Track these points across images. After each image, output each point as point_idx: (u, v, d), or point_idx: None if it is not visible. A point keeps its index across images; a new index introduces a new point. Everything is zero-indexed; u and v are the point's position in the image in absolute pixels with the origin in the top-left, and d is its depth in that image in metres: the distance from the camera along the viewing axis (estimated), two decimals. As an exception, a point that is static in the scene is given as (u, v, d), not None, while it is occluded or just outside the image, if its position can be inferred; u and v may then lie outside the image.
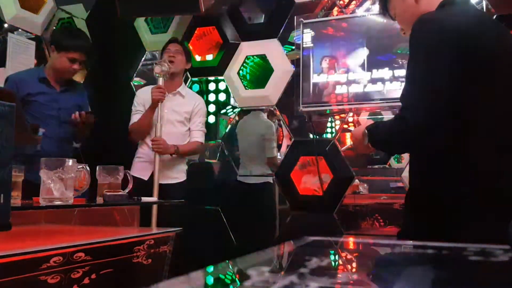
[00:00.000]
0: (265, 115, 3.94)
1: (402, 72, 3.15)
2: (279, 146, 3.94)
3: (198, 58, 4.11)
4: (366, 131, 1.38)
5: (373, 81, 3.18)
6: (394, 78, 3.13)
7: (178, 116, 3.00)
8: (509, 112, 1.24)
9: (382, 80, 3.15)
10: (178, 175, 3.03)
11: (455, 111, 1.18)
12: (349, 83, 3.25)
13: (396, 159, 3.68)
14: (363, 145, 1.40)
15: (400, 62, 3.16)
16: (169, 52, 3.04)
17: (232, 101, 5.01)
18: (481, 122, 1.21)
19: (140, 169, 2.95)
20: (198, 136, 3.01)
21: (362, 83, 3.22)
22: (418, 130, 1.19)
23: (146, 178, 2.91)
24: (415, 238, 1.02)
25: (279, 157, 3.85)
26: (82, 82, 4.16)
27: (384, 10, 1.54)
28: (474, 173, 1.21)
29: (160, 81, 2.84)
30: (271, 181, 3.71)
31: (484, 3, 3.11)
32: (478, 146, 1.21)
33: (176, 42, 3.15)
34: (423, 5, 1.39)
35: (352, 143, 1.51)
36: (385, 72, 3.17)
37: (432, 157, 1.27)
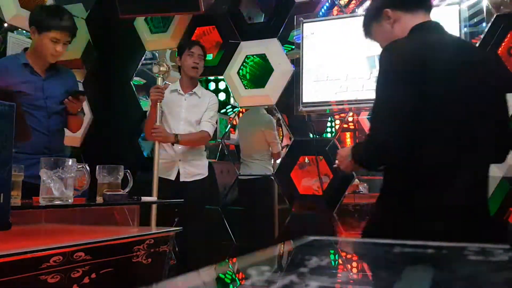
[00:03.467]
0: (265, 110, 3.95)
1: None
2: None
3: (198, 57, 4.10)
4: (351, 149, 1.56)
5: (373, 80, 3.18)
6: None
7: (195, 116, 3.02)
8: (459, 126, 1.40)
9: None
10: (201, 171, 3.06)
11: (413, 127, 1.35)
12: (349, 83, 3.25)
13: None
14: (347, 163, 1.57)
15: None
16: (193, 57, 3.03)
17: (232, 100, 5.01)
18: (436, 134, 1.37)
19: (165, 170, 2.97)
20: (206, 126, 3.01)
21: (362, 82, 3.21)
22: (382, 148, 1.39)
23: (172, 178, 2.96)
24: (380, 236, 1.12)
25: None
26: (82, 81, 4.17)
27: (367, 35, 1.70)
28: (432, 178, 1.38)
29: (159, 81, 2.85)
30: (272, 178, 3.72)
31: (484, 3, 3.12)
32: (435, 155, 1.37)
33: (197, 45, 3.10)
34: (397, 30, 1.56)
35: (338, 161, 1.62)
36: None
37: (398, 166, 1.45)
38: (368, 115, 3.57)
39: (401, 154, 1.39)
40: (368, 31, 1.68)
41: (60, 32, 2.38)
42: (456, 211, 1.36)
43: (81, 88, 4.14)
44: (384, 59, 1.43)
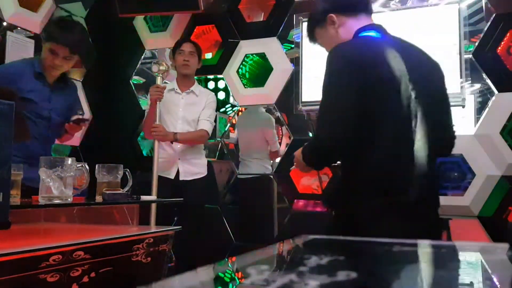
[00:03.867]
0: (263, 109, 3.95)
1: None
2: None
3: (197, 56, 4.10)
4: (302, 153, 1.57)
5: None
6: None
7: (193, 115, 3.02)
8: (399, 127, 1.44)
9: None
10: (200, 170, 3.06)
11: (356, 128, 1.39)
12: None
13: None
14: (301, 164, 1.58)
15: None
16: (183, 54, 3.03)
17: (231, 99, 5.01)
18: (378, 134, 1.41)
19: (165, 169, 2.97)
20: (204, 125, 3.01)
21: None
22: (327, 150, 1.45)
23: (172, 177, 2.96)
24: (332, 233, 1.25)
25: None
26: (81, 80, 4.16)
27: (312, 39, 1.73)
28: (372, 178, 1.43)
29: (158, 80, 2.85)
30: (271, 176, 3.71)
31: (483, 2, 3.12)
32: (376, 155, 1.42)
33: (188, 42, 3.13)
34: (343, 34, 1.60)
35: (295, 163, 1.65)
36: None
37: (341, 165, 1.55)
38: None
39: (345, 155, 1.48)
40: (313, 36, 1.71)
41: (57, 45, 2.35)
42: (405, 207, 1.40)
43: (80, 85, 4.15)
44: (329, 61, 1.47)
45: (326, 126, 1.43)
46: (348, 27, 1.60)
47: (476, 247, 0.90)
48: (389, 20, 3.22)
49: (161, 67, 2.81)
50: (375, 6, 3.39)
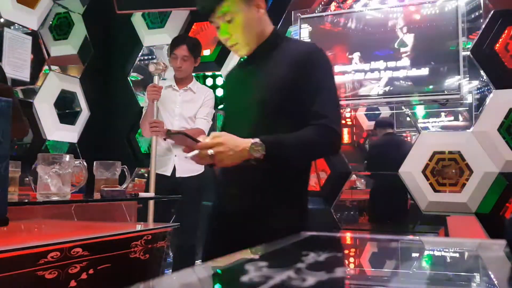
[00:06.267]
0: None
1: (399, 67, 3.15)
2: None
3: (195, 53, 4.10)
4: (259, 143, 1.30)
5: (371, 76, 3.18)
6: (391, 74, 3.13)
7: (190, 112, 3.01)
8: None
9: (379, 75, 3.15)
10: (197, 167, 3.05)
11: None
12: (346, 78, 3.25)
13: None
14: (240, 158, 1.31)
15: (398, 57, 3.16)
16: (176, 60, 2.99)
17: (229, 96, 4.99)
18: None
19: (161, 166, 2.96)
20: (201, 123, 3.00)
21: (360, 78, 3.22)
22: (340, 138, 1.41)
23: (168, 174, 2.95)
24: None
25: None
26: (79, 77, 4.16)
27: (210, 10, 1.46)
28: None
29: (155, 80, 2.84)
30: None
31: (481, -1, 3.12)
32: None
33: (183, 44, 3.00)
34: (263, 25, 1.50)
35: (213, 152, 1.30)
36: (382, 67, 3.17)
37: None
38: (366, 111, 3.57)
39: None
40: (227, 6, 1.44)
41: None
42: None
43: (77, 82, 4.14)
44: (325, 59, 1.47)
45: (338, 120, 1.41)
46: (266, 23, 1.51)
47: (473, 243, 0.90)
48: (387, 16, 3.22)
49: (158, 67, 2.80)
50: (373, 3, 3.39)
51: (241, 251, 0.81)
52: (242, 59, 1.64)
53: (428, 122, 3.66)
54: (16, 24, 3.65)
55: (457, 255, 0.89)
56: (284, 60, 1.44)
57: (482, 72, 3.09)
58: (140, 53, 4.19)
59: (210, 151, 1.30)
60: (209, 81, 4.83)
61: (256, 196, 1.42)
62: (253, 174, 1.39)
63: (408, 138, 3.71)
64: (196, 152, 1.32)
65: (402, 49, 3.15)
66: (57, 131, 3.88)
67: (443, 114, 3.65)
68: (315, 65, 1.42)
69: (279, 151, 1.34)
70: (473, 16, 3.20)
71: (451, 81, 3.03)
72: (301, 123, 1.38)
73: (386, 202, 3.47)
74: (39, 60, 3.85)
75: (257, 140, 1.30)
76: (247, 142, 1.31)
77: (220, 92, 4.91)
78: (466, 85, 3.08)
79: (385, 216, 3.43)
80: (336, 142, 1.40)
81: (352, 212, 3.59)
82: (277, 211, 1.40)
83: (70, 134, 4.02)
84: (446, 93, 3.04)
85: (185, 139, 1.35)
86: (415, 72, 3.10)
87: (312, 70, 1.41)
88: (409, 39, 3.16)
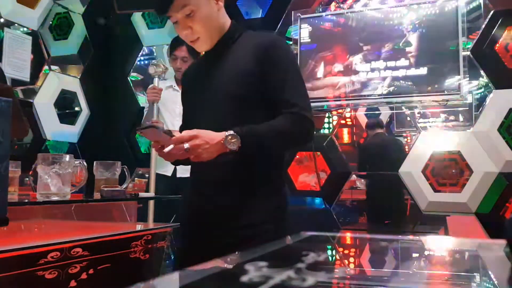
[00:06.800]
0: None
1: (399, 67, 3.15)
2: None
3: (195, 53, 4.10)
4: (234, 135, 1.29)
5: (370, 76, 3.18)
6: (391, 74, 3.13)
7: None
8: None
9: (379, 75, 3.15)
10: None
11: None
12: (346, 79, 3.25)
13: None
14: (216, 151, 1.29)
15: (397, 57, 3.16)
16: (176, 61, 2.97)
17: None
18: None
19: (162, 166, 2.96)
20: None
21: (360, 78, 3.22)
22: (313, 125, 1.42)
23: (169, 174, 2.94)
24: None
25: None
26: (79, 77, 4.16)
27: (169, 3, 1.38)
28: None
29: (155, 81, 2.84)
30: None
31: (481, -2, 3.12)
32: None
33: (182, 45, 2.94)
34: (220, 18, 1.48)
35: (189, 146, 1.27)
36: (382, 67, 3.17)
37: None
38: (366, 111, 3.57)
39: None
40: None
41: None
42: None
43: (77, 82, 4.14)
44: (287, 50, 1.50)
45: (310, 108, 1.42)
46: (223, 15, 1.50)
47: (473, 243, 0.90)
48: (387, 16, 3.22)
49: (158, 69, 2.80)
50: (373, 3, 3.39)
51: (237, 252, 0.81)
52: (200, 56, 1.63)
53: (428, 122, 3.66)
54: (16, 24, 3.65)
55: (457, 255, 0.89)
56: (248, 52, 1.42)
57: (482, 72, 3.09)
58: (140, 53, 4.19)
59: (186, 145, 1.27)
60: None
61: (231, 193, 1.40)
62: (227, 170, 1.38)
63: (408, 138, 3.71)
64: (171, 146, 1.27)
65: (401, 49, 3.15)
66: (57, 131, 3.88)
67: (443, 114, 3.65)
68: (279, 55, 1.42)
69: (254, 142, 1.32)
70: (473, 16, 3.20)
71: (451, 81, 3.03)
72: (270, 114, 1.37)
73: (384, 202, 3.46)
74: (39, 60, 3.85)
75: (231, 132, 1.29)
76: (221, 135, 1.29)
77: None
78: (466, 85, 3.08)
79: (383, 216, 3.43)
80: (310, 130, 1.42)
81: (352, 212, 3.59)
82: (254, 207, 1.39)
83: (70, 134, 4.02)
84: (446, 93, 3.04)
85: (158, 134, 1.28)
86: (415, 72, 3.10)
87: (277, 60, 1.41)
88: (409, 39, 3.16)
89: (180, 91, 2.59)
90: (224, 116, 1.41)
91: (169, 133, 1.29)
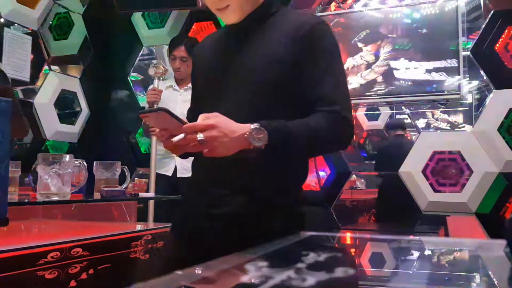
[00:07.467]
0: None
1: (399, 67, 3.15)
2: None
3: (195, 53, 4.10)
4: (260, 130, 1.05)
5: (370, 76, 3.18)
6: (391, 73, 3.13)
7: None
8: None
9: (379, 75, 3.15)
10: None
11: None
12: (346, 78, 3.25)
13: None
14: (236, 147, 1.05)
15: (398, 57, 3.16)
16: (175, 61, 2.98)
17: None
18: None
19: (162, 166, 2.96)
20: None
21: (359, 78, 3.22)
22: (353, 129, 1.20)
23: (170, 174, 2.94)
24: None
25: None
26: (78, 77, 4.16)
27: None
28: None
29: (155, 83, 2.84)
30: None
31: (481, -2, 3.12)
32: None
33: (180, 45, 2.97)
34: None
35: (204, 137, 1.02)
36: (382, 67, 3.17)
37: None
38: (366, 111, 3.57)
39: None
40: None
41: None
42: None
43: (77, 82, 4.14)
44: (331, 35, 1.22)
45: (349, 107, 1.19)
46: None
47: (473, 243, 0.90)
48: (387, 16, 3.22)
49: (158, 70, 2.80)
50: (373, 3, 3.39)
51: (240, 252, 0.81)
52: (223, 29, 1.35)
53: (428, 122, 3.66)
54: (16, 24, 3.65)
55: (457, 255, 0.89)
56: (284, 34, 1.18)
57: (482, 72, 3.09)
58: (140, 53, 4.19)
59: (200, 136, 1.01)
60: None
61: (248, 197, 1.16)
62: (242, 171, 1.15)
63: (408, 138, 3.71)
64: (181, 136, 1.02)
65: (401, 49, 3.16)
66: (57, 131, 3.88)
67: (443, 114, 3.65)
68: (323, 42, 1.19)
69: (284, 141, 1.07)
70: (473, 16, 3.20)
71: (451, 81, 3.03)
72: (298, 113, 1.14)
73: (389, 202, 3.46)
74: (39, 60, 3.84)
75: (256, 125, 1.04)
76: (245, 128, 1.04)
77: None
78: (466, 85, 3.08)
79: (389, 216, 3.42)
80: (350, 136, 1.19)
81: (352, 212, 3.59)
82: (271, 214, 1.16)
83: (70, 134, 4.02)
84: (446, 93, 3.04)
85: (168, 119, 1.02)
86: (415, 72, 3.11)
87: (319, 47, 1.18)
88: (409, 39, 3.16)
89: (191, 66, 2.07)
90: (245, 106, 1.18)
91: (181, 120, 1.04)
